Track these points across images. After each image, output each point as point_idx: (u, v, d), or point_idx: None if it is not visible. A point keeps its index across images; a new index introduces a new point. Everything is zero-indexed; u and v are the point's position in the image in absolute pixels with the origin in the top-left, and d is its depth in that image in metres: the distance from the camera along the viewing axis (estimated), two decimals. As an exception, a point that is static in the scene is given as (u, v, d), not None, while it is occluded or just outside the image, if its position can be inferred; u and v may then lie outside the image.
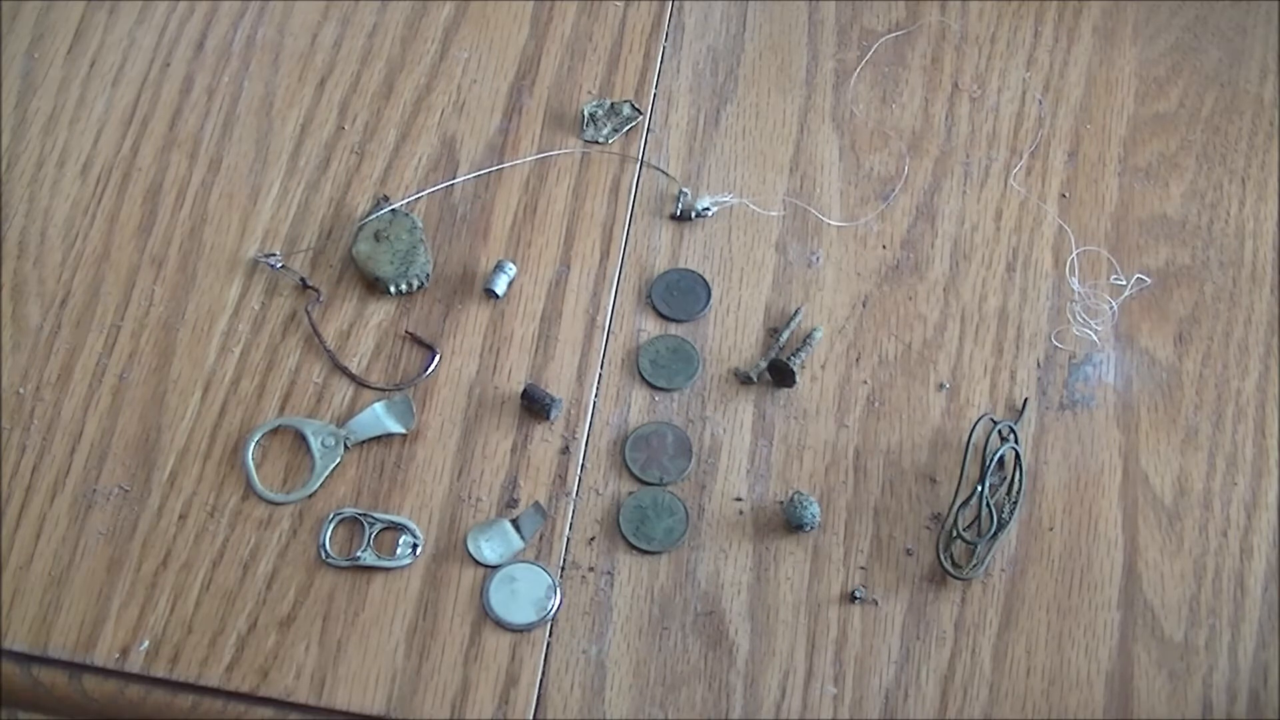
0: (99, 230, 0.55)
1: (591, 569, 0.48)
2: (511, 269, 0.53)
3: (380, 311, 0.53)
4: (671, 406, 0.51)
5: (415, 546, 0.48)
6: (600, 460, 0.50)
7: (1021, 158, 0.56)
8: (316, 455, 0.50)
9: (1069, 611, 0.47)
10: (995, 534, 0.48)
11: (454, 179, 0.56)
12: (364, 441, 0.50)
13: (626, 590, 0.48)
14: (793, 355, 0.51)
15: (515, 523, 0.48)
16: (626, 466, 0.50)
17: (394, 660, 0.47)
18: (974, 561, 0.48)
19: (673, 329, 0.53)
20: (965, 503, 0.48)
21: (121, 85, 0.58)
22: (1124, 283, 0.53)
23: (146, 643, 0.47)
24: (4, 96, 0.58)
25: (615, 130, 0.57)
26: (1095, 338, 0.52)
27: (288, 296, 0.53)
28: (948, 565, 0.48)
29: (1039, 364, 0.52)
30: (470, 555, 0.48)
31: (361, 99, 0.58)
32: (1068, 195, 0.55)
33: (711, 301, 0.53)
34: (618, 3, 0.60)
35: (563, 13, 0.60)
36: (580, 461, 0.50)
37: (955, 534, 0.48)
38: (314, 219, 0.55)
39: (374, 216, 0.54)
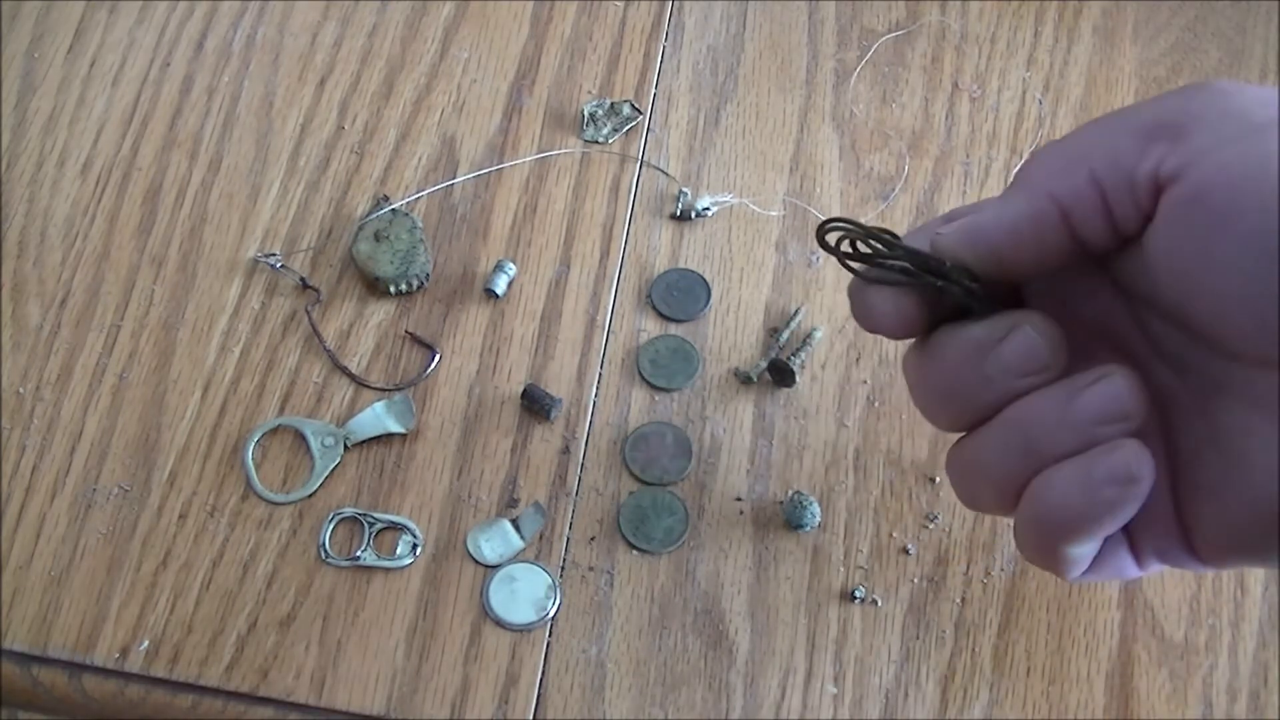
0: (99, 230, 0.55)
1: (591, 569, 0.48)
2: (511, 269, 0.53)
3: (380, 311, 0.53)
4: (671, 406, 0.51)
5: (415, 546, 0.48)
6: (600, 460, 0.50)
7: (1022, 157, 0.56)
8: (316, 455, 0.50)
9: (1069, 611, 0.47)
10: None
11: (454, 179, 0.56)
12: (364, 441, 0.50)
13: (626, 590, 0.48)
14: (793, 355, 0.51)
15: (515, 523, 0.48)
16: (626, 466, 0.50)
17: (394, 660, 0.47)
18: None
19: (673, 329, 0.53)
20: None
21: (121, 85, 0.58)
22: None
23: (146, 643, 0.47)
24: (4, 96, 0.58)
25: (615, 130, 0.57)
26: (1095, 338, 0.52)
27: (288, 296, 0.53)
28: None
29: (1039, 364, 0.52)
30: (470, 555, 0.48)
31: (361, 99, 0.58)
32: (1068, 195, 0.55)
33: (711, 301, 0.53)
34: (618, 3, 0.60)
35: (563, 13, 0.60)
36: (580, 461, 0.50)
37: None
38: (314, 219, 0.55)
39: (374, 216, 0.54)
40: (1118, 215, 0.33)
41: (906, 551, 0.49)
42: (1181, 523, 0.35)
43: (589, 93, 0.58)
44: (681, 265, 0.54)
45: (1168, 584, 0.48)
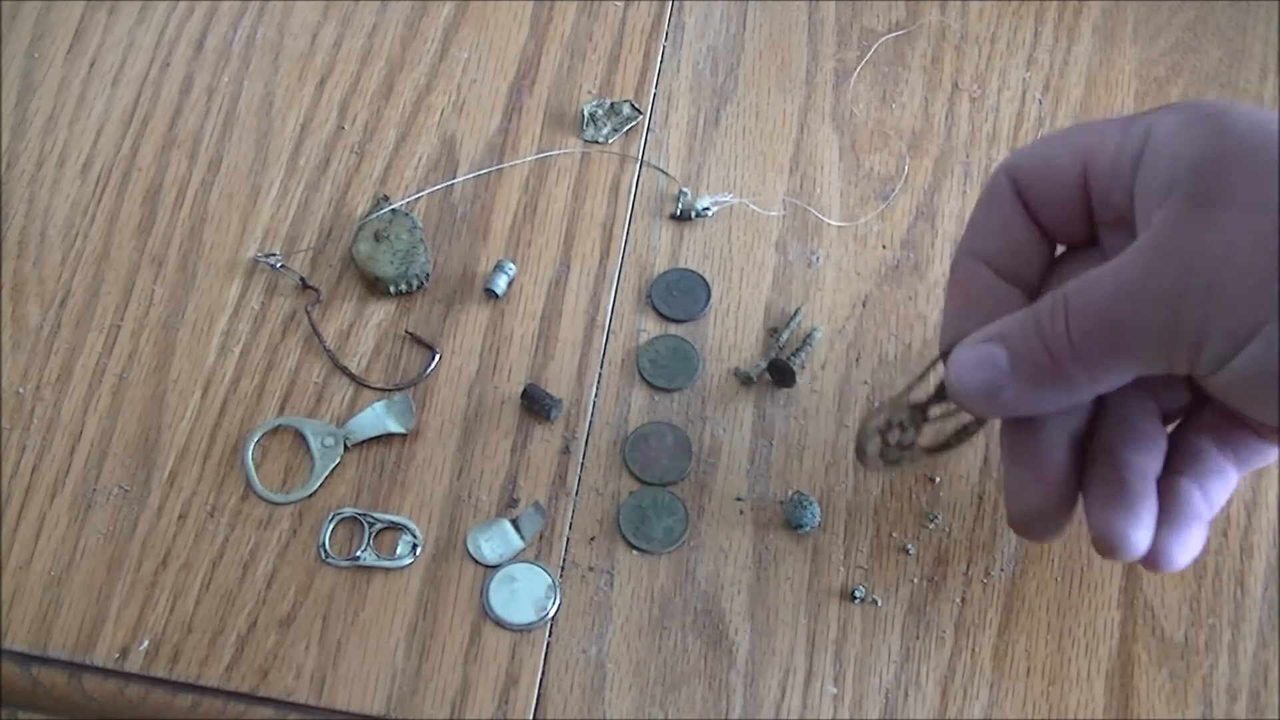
0: (99, 230, 0.55)
1: (591, 569, 0.48)
2: (511, 269, 0.53)
3: (380, 311, 0.53)
4: (671, 406, 0.51)
5: (415, 546, 0.48)
6: (600, 460, 0.50)
7: (1021, 158, 0.56)
8: (316, 455, 0.50)
9: (1069, 611, 0.47)
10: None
11: (454, 179, 0.56)
12: (364, 441, 0.50)
13: (626, 590, 0.48)
14: (793, 355, 0.51)
15: (515, 523, 0.48)
16: (626, 466, 0.50)
17: (394, 660, 0.47)
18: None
19: (673, 329, 0.53)
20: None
21: (121, 85, 0.58)
22: (1124, 283, 0.53)
23: (146, 643, 0.47)
24: (4, 96, 0.58)
25: (615, 130, 0.57)
26: (1095, 338, 0.52)
27: (288, 296, 0.53)
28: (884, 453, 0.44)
29: (1039, 364, 0.52)
30: (470, 555, 0.48)
31: (361, 99, 0.58)
32: (1068, 195, 0.55)
33: (711, 301, 0.53)
34: (618, 3, 0.60)
35: (563, 13, 0.60)
36: (580, 461, 0.50)
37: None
38: (314, 219, 0.55)
39: (374, 216, 0.54)
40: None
41: (906, 551, 0.49)
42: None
43: (589, 93, 0.58)
44: (681, 265, 0.54)
45: (1168, 584, 0.48)
